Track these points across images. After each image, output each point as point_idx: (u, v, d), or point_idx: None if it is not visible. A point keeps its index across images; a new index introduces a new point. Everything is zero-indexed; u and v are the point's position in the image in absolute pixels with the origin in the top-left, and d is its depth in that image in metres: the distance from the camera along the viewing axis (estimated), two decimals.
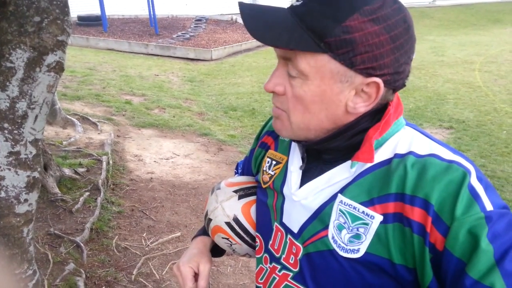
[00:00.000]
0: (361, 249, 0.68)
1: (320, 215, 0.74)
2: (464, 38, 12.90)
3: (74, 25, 12.59)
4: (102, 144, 4.08)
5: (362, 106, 0.69)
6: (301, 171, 0.80)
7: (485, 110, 6.16)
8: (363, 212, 0.68)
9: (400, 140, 0.71)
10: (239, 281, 2.47)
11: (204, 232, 1.06)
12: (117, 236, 2.71)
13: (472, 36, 13.32)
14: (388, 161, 0.69)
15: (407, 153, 0.68)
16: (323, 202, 0.74)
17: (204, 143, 4.78)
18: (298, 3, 0.68)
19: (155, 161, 4.11)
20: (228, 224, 0.91)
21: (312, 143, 0.75)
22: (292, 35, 0.65)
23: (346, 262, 0.70)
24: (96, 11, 12.84)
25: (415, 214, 0.63)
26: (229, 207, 0.92)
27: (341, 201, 0.71)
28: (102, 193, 3.09)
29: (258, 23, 0.67)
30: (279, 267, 0.82)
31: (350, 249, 0.70)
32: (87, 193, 3.05)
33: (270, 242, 0.84)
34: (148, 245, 2.68)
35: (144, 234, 2.80)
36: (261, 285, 0.87)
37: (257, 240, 0.89)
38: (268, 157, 0.90)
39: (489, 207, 0.61)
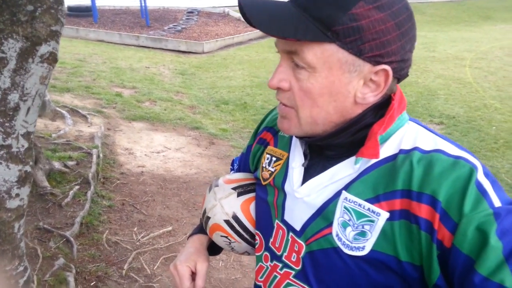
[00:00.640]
0: (367, 246, 0.67)
1: (324, 212, 0.73)
2: (455, 34, 12.97)
3: None
4: (92, 137, 4.04)
5: (371, 96, 0.68)
6: (303, 167, 0.78)
7: (475, 106, 6.20)
8: (368, 209, 0.67)
9: (404, 135, 0.70)
10: (230, 275, 2.47)
11: (200, 230, 1.04)
12: (107, 231, 2.68)
13: (463, 32, 13.39)
14: (393, 157, 0.68)
15: (413, 148, 0.67)
16: (327, 199, 0.73)
17: (196, 136, 4.75)
18: None
19: (146, 155, 4.08)
20: (227, 222, 0.90)
21: (316, 140, 0.74)
22: (298, 25, 0.64)
23: (351, 260, 0.69)
24: (86, 2, 12.67)
25: (423, 211, 0.63)
26: (228, 204, 0.90)
27: (345, 198, 0.70)
28: (92, 187, 3.05)
29: (262, 15, 0.66)
30: (280, 265, 0.81)
31: (355, 247, 0.69)
32: (77, 187, 3.02)
33: (271, 240, 0.83)
34: (139, 239, 2.66)
35: (135, 229, 2.77)
36: (261, 284, 0.86)
37: (257, 238, 0.88)
38: (267, 153, 0.88)
39: (497, 203, 0.60)
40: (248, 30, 12.27)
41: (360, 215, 0.68)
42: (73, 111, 4.72)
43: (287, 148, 0.84)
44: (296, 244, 0.77)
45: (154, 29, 11.82)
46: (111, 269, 2.36)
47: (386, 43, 0.64)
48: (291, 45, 0.66)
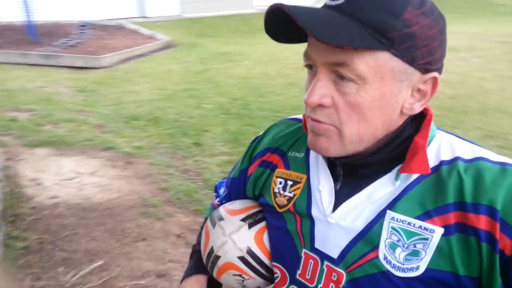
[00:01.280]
0: (421, 266, 0.65)
1: (367, 236, 0.68)
2: None
3: None
4: None
5: (418, 106, 0.66)
6: (333, 190, 0.73)
7: None
8: (420, 226, 0.65)
9: (440, 145, 0.69)
10: None
11: (196, 270, 0.93)
12: (29, 277, 2.37)
13: None
14: (436, 169, 0.66)
15: (454, 158, 0.66)
16: (369, 221, 0.68)
17: (109, 157, 4.46)
18: (340, 1, 0.62)
19: (56, 184, 3.72)
20: (241, 258, 0.81)
21: (357, 159, 0.69)
22: (352, 33, 0.59)
23: (403, 282, 0.66)
24: None
25: (481, 222, 0.61)
26: (241, 239, 0.82)
27: (392, 218, 0.67)
28: (2, 229, 2.69)
29: (315, 22, 0.60)
30: None
31: (408, 268, 0.65)
32: None
33: (299, 272, 0.76)
34: (68, 281, 2.39)
35: (61, 269, 2.49)
36: None
37: (277, 271, 0.80)
38: (278, 177, 0.81)
39: None
40: (147, 42, 11.93)
41: (410, 234, 0.65)
42: None
43: (304, 170, 0.78)
44: (334, 274, 0.71)
45: (44, 45, 10.94)
46: None
47: (433, 50, 0.63)
48: (338, 56, 0.61)
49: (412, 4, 0.61)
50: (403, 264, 0.66)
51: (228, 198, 0.99)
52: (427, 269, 0.65)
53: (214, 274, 0.88)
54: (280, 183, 0.81)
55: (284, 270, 0.80)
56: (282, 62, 10.05)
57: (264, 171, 0.86)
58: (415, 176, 0.67)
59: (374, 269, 0.68)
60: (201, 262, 0.96)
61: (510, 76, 8.18)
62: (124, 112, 6.31)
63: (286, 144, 0.85)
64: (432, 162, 0.67)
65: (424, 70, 0.64)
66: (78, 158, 4.37)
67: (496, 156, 0.66)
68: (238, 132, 5.34)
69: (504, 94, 7.03)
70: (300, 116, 0.89)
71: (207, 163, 4.43)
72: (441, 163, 0.67)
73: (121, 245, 2.79)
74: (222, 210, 0.90)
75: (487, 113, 6.11)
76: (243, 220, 0.85)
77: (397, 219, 0.66)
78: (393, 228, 0.67)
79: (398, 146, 0.68)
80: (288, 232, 0.78)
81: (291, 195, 0.78)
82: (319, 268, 0.74)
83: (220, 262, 0.83)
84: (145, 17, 15.78)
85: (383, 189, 0.69)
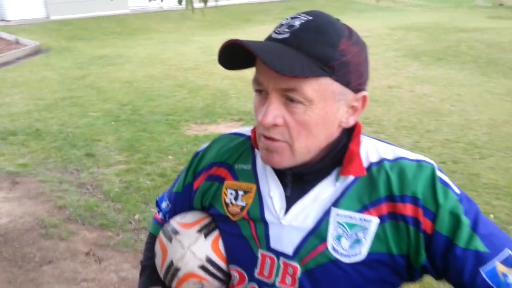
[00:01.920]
0: (363, 251, 0.77)
1: (317, 231, 0.79)
2: (225, 37, 14.03)
3: None
4: None
5: (352, 120, 0.79)
6: (283, 195, 0.82)
7: None
8: (359, 218, 0.77)
9: (368, 149, 0.81)
10: None
11: (151, 283, 0.96)
12: None
13: (230, 35, 14.70)
14: (367, 170, 0.79)
15: (380, 160, 0.80)
16: (318, 219, 0.79)
17: None
18: (286, 35, 0.72)
19: None
20: (202, 267, 0.87)
21: (305, 167, 0.79)
22: (302, 64, 0.69)
23: (349, 267, 0.78)
24: None
25: (408, 209, 0.76)
26: (199, 249, 0.87)
27: (337, 214, 0.78)
28: None
29: (270, 55, 0.68)
30: None
31: (352, 254, 0.77)
32: None
33: (257, 271, 0.85)
34: None
35: None
36: None
37: (235, 273, 0.87)
38: (228, 188, 0.88)
39: (457, 190, 0.78)
40: (12, 48, 10.85)
41: (352, 226, 0.78)
42: None
43: (253, 180, 0.86)
44: (290, 268, 0.81)
45: None
46: None
47: (362, 74, 0.76)
48: (289, 83, 0.71)
49: (344, 36, 0.73)
50: (348, 252, 0.78)
51: (173, 212, 1.03)
52: (368, 253, 0.77)
53: (174, 285, 0.92)
54: (231, 194, 0.88)
55: (242, 271, 0.87)
56: (166, 63, 9.94)
57: (212, 184, 0.92)
58: (351, 177, 0.80)
59: (324, 259, 0.79)
60: (153, 276, 1.00)
61: (374, 68, 9.18)
62: None
63: (232, 157, 0.92)
64: (363, 164, 0.80)
65: (356, 90, 0.76)
66: None
67: (412, 155, 0.81)
68: (132, 139, 5.19)
69: (372, 84, 7.87)
70: (241, 131, 0.97)
71: (104, 174, 4.26)
72: (371, 164, 0.80)
73: (24, 272, 2.58)
74: (175, 224, 0.94)
75: None
76: (199, 231, 0.90)
77: (340, 214, 0.79)
78: (338, 222, 0.79)
79: (337, 153, 0.80)
80: (243, 237, 0.86)
81: (243, 204, 0.86)
82: (275, 264, 0.83)
83: (180, 274, 0.88)
84: (5, 20, 14.29)
85: (326, 190, 0.81)
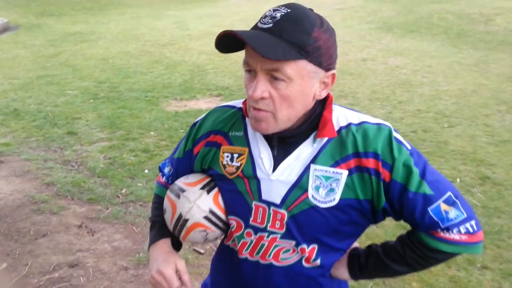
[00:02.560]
0: (336, 198, 0.96)
1: (300, 184, 0.97)
2: (200, 11, 14.01)
3: None
4: None
5: (323, 93, 0.96)
6: (271, 156, 0.99)
7: (240, 75, 7.06)
8: (333, 172, 0.96)
9: (338, 116, 1.00)
10: None
11: (161, 235, 1.12)
12: None
13: (205, 8, 14.56)
14: (338, 132, 0.98)
15: (348, 124, 0.98)
16: (299, 173, 0.97)
17: None
18: (269, 25, 0.88)
19: None
20: (206, 217, 1.03)
21: (287, 132, 0.96)
22: (283, 49, 0.86)
23: (326, 211, 0.96)
24: None
25: (370, 163, 0.94)
26: (203, 202, 1.04)
27: (315, 169, 0.97)
28: None
29: (259, 43, 0.84)
30: (266, 234, 1.01)
31: (328, 201, 0.96)
32: None
33: (251, 219, 1.02)
34: None
35: None
36: (246, 255, 1.05)
37: (233, 222, 1.04)
38: (224, 152, 1.04)
39: (408, 147, 0.97)
40: None
41: (327, 178, 0.96)
42: None
43: (245, 144, 1.03)
44: (278, 214, 0.99)
45: None
46: None
47: (332, 55, 0.93)
48: (273, 64, 0.87)
49: (316, 25, 0.90)
50: (324, 199, 0.96)
51: (175, 175, 1.19)
52: (340, 199, 0.96)
53: (182, 234, 1.08)
54: (227, 156, 1.05)
55: (239, 220, 1.05)
56: (141, 39, 9.84)
57: (210, 149, 1.09)
58: (326, 138, 0.98)
59: (306, 206, 0.97)
60: (162, 229, 1.17)
61: (349, 41, 9.34)
62: None
63: (227, 126, 1.09)
64: (335, 128, 0.98)
65: (327, 69, 0.94)
66: None
67: (373, 119, 0.99)
68: (112, 116, 5.25)
69: (347, 58, 8.05)
70: (232, 103, 1.14)
71: (87, 151, 4.33)
72: (340, 128, 0.98)
73: (21, 244, 2.69)
74: (181, 184, 1.10)
75: (336, 76, 6.99)
76: (202, 188, 1.07)
77: (317, 169, 0.97)
78: (316, 175, 0.97)
79: (313, 120, 0.98)
80: (239, 192, 1.03)
81: (238, 164, 1.03)
82: (267, 213, 1.01)
83: (188, 224, 1.06)
84: None
85: (305, 150, 0.99)
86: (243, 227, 1.04)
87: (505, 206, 3.48)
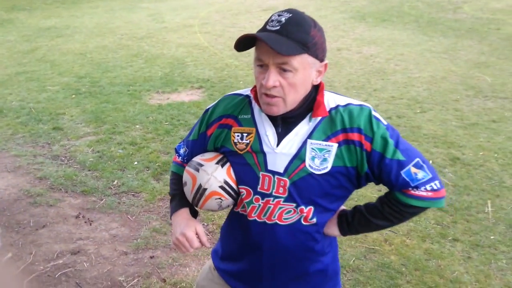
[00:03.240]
0: (328, 166, 1.19)
1: (299, 155, 1.19)
2: (174, 3, 13.98)
3: None
4: None
5: (318, 79, 1.19)
6: (275, 133, 1.21)
7: (220, 67, 7.21)
8: (325, 145, 1.18)
9: (328, 99, 1.22)
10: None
11: (181, 205, 1.34)
12: None
13: (180, 1, 14.55)
14: (329, 113, 1.20)
15: (336, 106, 1.21)
16: (298, 147, 1.19)
17: None
18: (277, 28, 1.09)
19: None
20: (221, 187, 1.25)
21: (290, 113, 1.18)
22: (292, 46, 1.08)
23: (320, 177, 1.19)
24: None
25: (355, 136, 1.17)
26: (219, 174, 1.25)
27: (311, 143, 1.19)
28: None
29: (274, 42, 1.06)
30: (271, 198, 1.22)
31: (322, 168, 1.18)
32: None
33: (259, 187, 1.23)
34: None
35: None
36: (255, 218, 1.26)
37: (243, 191, 1.25)
38: (235, 132, 1.25)
39: (384, 123, 1.19)
40: None
41: (321, 150, 1.18)
42: None
43: (253, 125, 1.24)
44: (281, 181, 1.21)
45: None
46: None
47: (324, 49, 1.15)
48: (283, 58, 1.09)
49: (312, 26, 1.13)
50: (319, 167, 1.19)
51: (190, 155, 1.41)
52: (332, 167, 1.19)
53: (201, 202, 1.29)
54: (238, 136, 1.27)
55: (249, 188, 1.26)
56: (117, 33, 9.83)
57: (222, 130, 1.30)
58: (319, 118, 1.20)
59: (304, 173, 1.19)
60: (182, 200, 1.39)
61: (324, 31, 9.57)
62: None
63: (236, 110, 1.30)
64: (326, 109, 1.21)
65: (321, 60, 1.17)
66: None
67: (356, 101, 1.22)
68: (97, 111, 5.32)
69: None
70: (239, 92, 1.35)
71: (75, 145, 4.42)
72: (331, 109, 1.21)
73: (23, 235, 2.81)
74: (199, 160, 1.31)
75: None
76: (217, 163, 1.29)
77: (313, 143, 1.19)
78: (312, 148, 1.19)
79: (309, 103, 1.21)
80: (248, 165, 1.24)
81: (247, 141, 1.25)
82: (272, 180, 1.22)
83: (206, 192, 1.26)
84: None
85: (303, 127, 1.21)
86: (252, 194, 1.25)
87: (473, 185, 3.77)
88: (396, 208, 1.24)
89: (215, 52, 8.10)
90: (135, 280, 2.53)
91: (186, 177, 1.33)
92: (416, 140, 4.58)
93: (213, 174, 1.26)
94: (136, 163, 4.04)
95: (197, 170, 1.28)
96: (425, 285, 2.63)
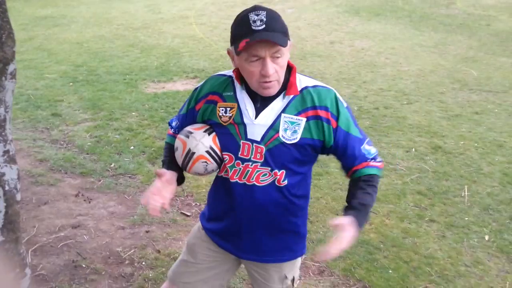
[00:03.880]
0: (298, 137, 1.40)
1: (274, 127, 1.40)
2: None
3: None
4: None
5: (288, 59, 1.38)
6: (254, 108, 1.41)
7: (215, 58, 7.38)
8: (296, 118, 1.39)
9: (300, 80, 1.43)
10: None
11: (168, 168, 1.55)
12: None
13: None
14: (300, 92, 1.41)
15: (306, 86, 1.42)
16: (273, 119, 1.40)
17: None
18: (264, 26, 1.29)
19: None
20: (207, 152, 1.45)
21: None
22: (281, 37, 1.29)
23: (291, 146, 1.40)
24: None
25: (323, 113, 1.39)
26: (206, 141, 1.45)
27: (284, 116, 1.40)
28: None
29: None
30: (250, 163, 1.43)
31: (292, 138, 1.40)
32: None
33: (239, 153, 1.43)
34: None
35: None
36: (236, 180, 1.47)
37: (226, 157, 1.46)
38: (220, 107, 1.46)
39: (345, 104, 1.42)
40: None
41: (293, 123, 1.39)
42: None
43: (235, 101, 1.45)
44: (259, 148, 1.41)
45: None
46: None
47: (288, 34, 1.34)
48: (277, 48, 1.30)
49: (280, 16, 1.35)
50: (290, 137, 1.40)
51: (181, 127, 1.60)
52: (300, 138, 1.40)
53: (189, 165, 1.48)
54: (222, 110, 1.47)
55: (231, 154, 1.46)
56: (114, 23, 9.96)
57: (209, 105, 1.51)
58: (291, 96, 1.42)
59: (277, 142, 1.41)
60: (172, 164, 1.57)
61: (318, 24, 9.74)
62: None
63: (221, 89, 1.50)
64: (298, 89, 1.43)
65: (290, 42, 1.37)
66: None
67: (322, 83, 1.46)
68: (94, 98, 5.48)
69: (316, 40, 8.46)
70: (223, 72, 1.55)
71: (73, 131, 4.59)
72: (302, 89, 1.43)
73: (26, 211, 2.98)
74: (189, 128, 1.51)
75: (306, 58, 7.39)
76: (204, 131, 1.49)
77: (286, 116, 1.41)
78: (285, 121, 1.41)
79: (284, 84, 1.42)
80: (231, 134, 1.45)
81: (230, 115, 1.45)
82: (251, 148, 1.42)
83: (194, 156, 1.46)
84: None
85: (278, 103, 1.42)
86: (234, 159, 1.45)
87: (452, 171, 3.99)
88: (366, 180, 1.45)
89: (210, 43, 8.26)
90: (131, 251, 2.72)
91: (177, 143, 1.53)
92: (401, 129, 4.78)
93: (201, 141, 1.45)
94: (132, 147, 4.22)
95: (187, 136, 1.48)
96: (400, 260, 2.84)
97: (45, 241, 2.72)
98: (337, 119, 1.41)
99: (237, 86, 1.46)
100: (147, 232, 2.92)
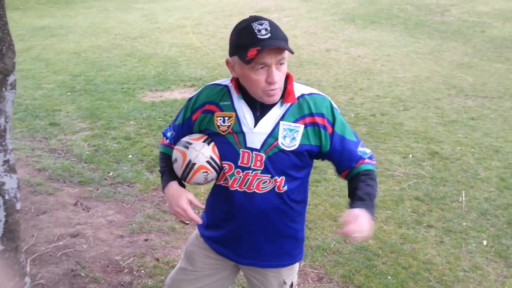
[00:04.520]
0: (297, 144, 1.42)
1: (273, 134, 1.42)
2: (168, 4, 14.16)
3: None
4: None
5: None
6: (253, 116, 1.43)
7: (212, 67, 7.42)
8: (294, 126, 1.41)
9: (296, 88, 1.46)
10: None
11: (170, 179, 1.55)
12: None
13: (173, 1, 14.72)
14: (297, 100, 1.44)
15: (302, 94, 1.45)
16: (272, 127, 1.42)
17: None
18: (269, 35, 1.31)
19: None
20: (207, 162, 1.45)
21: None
22: (286, 45, 1.32)
23: (290, 153, 1.42)
24: None
25: (320, 120, 1.42)
26: (206, 151, 1.46)
27: (283, 124, 1.42)
28: None
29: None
30: (250, 171, 1.44)
31: (291, 145, 1.42)
32: None
33: (239, 161, 1.45)
34: None
35: None
36: (236, 188, 1.48)
37: (225, 166, 1.47)
38: (218, 117, 1.47)
39: (339, 111, 1.45)
40: None
41: (291, 130, 1.41)
42: None
43: (233, 110, 1.46)
44: (258, 156, 1.43)
45: None
46: None
47: None
48: (282, 56, 1.33)
49: (278, 25, 1.37)
50: (289, 144, 1.43)
51: (176, 137, 1.60)
52: (299, 145, 1.43)
53: (189, 176, 1.48)
54: (220, 119, 1.48)
55: (231, 163, 1.46)
56: (111, 33, 9.99)
57: (206, 115, 1.51)
58: (289, 104, 1.44)
59: (277, 149, 1.43)
60: (171, 175, 1.57)
61: (314, 32, 9.81)
62: None
63: (217, 98, 1.51)
64: (295, 96, 1.45)
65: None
66: None
67: (318, 91, 1.49)
68: (92, 107, 5.49)
69: (313, 48, 8.51)
70: (219, 82, 1.56)
71: (71, 140, 4.60)
72: (298, 97, 1.46)
73: (24, 220, 2.98)
74: (188, 139, 1.51)
75: (303, 66, 7.44)
76: (203, 142, 1.49)
77: (284, 124, 1.43)
78: (283, 128, 1.43)
79: (282, 91, 1.44)
80: (230, 143, 1.46)
81: (228, 124, 1.46)
82: (250, 156, 1.44)
83: (195, 167, 1.47)
84: None
85: (276, 111, 1.44)
86: (233, 168, 1.46)
87: (449, 176, 4.02)
88: (365, 175, 1.52)
89: (207, 52, 8.30)
90: (130, 259, 2.72)
91: (176, 154, 1.52)
92: (397, 136, 4.81)
93: (201, 151, 1.46)
94: (130, 156, 4.23)
95: (187, 147, 1.48)
96: (399, 266, 2.85)
97: (44, 250, 2.72)
98: (332, 125, 1.45)
99: (234, 95, 1.47)
100: (145, 240, 2.92)
